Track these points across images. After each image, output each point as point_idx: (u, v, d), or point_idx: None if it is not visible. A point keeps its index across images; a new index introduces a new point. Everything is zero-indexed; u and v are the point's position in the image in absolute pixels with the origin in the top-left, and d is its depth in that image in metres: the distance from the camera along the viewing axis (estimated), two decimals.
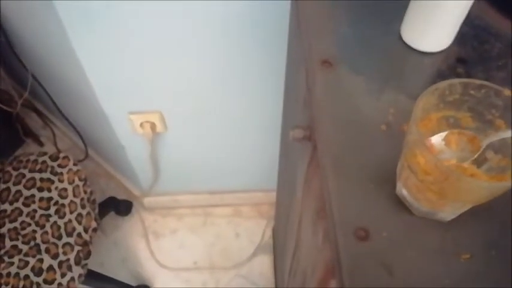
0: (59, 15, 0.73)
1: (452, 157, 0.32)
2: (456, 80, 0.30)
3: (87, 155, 1.39)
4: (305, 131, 0.43)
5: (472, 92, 0.30)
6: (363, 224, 0.33)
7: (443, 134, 0.32)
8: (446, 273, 0.31)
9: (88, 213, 1.02)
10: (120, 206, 1.34)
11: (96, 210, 1.07)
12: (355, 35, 0.45)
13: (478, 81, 0.30)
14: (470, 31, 0.45)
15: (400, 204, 0.34)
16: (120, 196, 1.35)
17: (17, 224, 0.94)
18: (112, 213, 1.33)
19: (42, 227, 0.95)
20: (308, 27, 0.46)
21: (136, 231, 1.34)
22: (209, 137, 1.09)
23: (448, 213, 0.31)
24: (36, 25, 0.90)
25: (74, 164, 1.04)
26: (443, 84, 0.29)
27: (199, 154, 1.17)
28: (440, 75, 0.42)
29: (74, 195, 1.00)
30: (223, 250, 1.30)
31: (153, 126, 1.00)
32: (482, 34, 0.45)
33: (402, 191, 0.33)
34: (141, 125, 1.00)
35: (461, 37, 0.44)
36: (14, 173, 1.01)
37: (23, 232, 0.94)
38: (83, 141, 1.34)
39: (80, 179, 1.03)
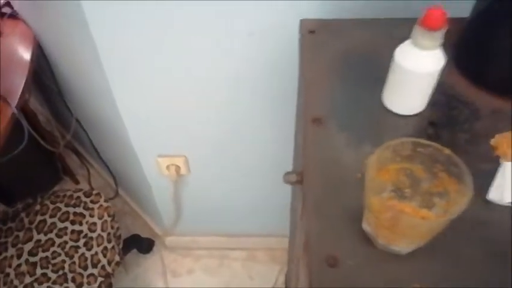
0: (102, 65, 0.87)
1: None
2: (407, 139, 0.37)
3: (117, 194, 1.50)
4: (297, 176, 0.51)
5: (420, 149, 0.38)
6: (334, 253, 0.40)
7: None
8: None
9: (113, 247, 1.10)
10: (143, 244, 1.42)
11: (121, 245, 1.15)
12: (345, 98, 0.54)
13: (424, 141, 0.37)
14: (443, 98, 0.53)
15: (367, 238, 0.41)
16: (144, 234, 1.44)
17: (48, 254, 1.04)
18: (134, 251, 1.41)
19: (71, 257, 1.04)
20: (306, 88, 0.55)
21: (156, 270, 1.40)
22: (228, 181, 1.18)
23: (402, 247, 0.38)
24: (82, 73, 1.05)
25: (105, 201, 1.14)
26: (395, 141, 0.37)
27: (218, 197, 1.25)
28: (413, 135, 0.49)
29: (102, 230, 1.10)
30: None
31: (177, 169, 1.10)
32: (453, 101, 0.53)
33: (366, 227, 0.40)
34: (167, 167, 1.10)
35: (434, 103, 0.52)
36: (51, 206, 1.12)
37: (53, 261, 1.03)
38: (115, 181, 1.46)
39: (108, 215, 1.12)
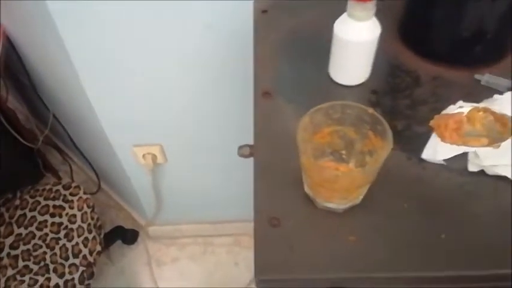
0: (72, 62, 0.88)
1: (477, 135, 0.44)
2: (336, 102, 0.40)
3: (99, 188, 1.51)
4: (250, 148, 0.54)
5: (349, 111, 0.40)
6: (277, 214, 0.42)
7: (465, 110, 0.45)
8: (335, 250, 0.39)
9: (94, 238, 1.12)
10: (127, 235, 1.43)
11: (102, 235, 1.17)
12: (293, 73, 0.56)
13: (351, 103, 0.40)
14: (386, 68, 0.55)
15: (309, 200, 0.43)
16: (128, 226, 1.46)
17: (30, 246, 1.06)
18: (119, 242, 1.43)
19: (52, 249, 1.06)
20: (256, 64, 0.57)
21: (141, 260, 1.42)
22: (206, 168, 1.20)
23: (338, 204, 0.40)
24: (54, 70, 1.06)
25: (84, 193, 1.16)
26: (326, 104, 0.39)
27: (198, 184, 1.27)
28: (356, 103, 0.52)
29: (82, 221, 1.12)
30: (222, 278, 1.37)
31: (154, 157, 1.12)
32: (396, 71, 0.55)
33: (306, 189, 0.42)
34: (144, 156, 1.12)
35: (377, 73, 0.54)
36: (31, 200, 1.13)
37: (34, 253, 1.05)
38: (97, 175, 1.47)
39: (88, 206, 1.14)
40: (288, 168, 0.46)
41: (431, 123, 0.48)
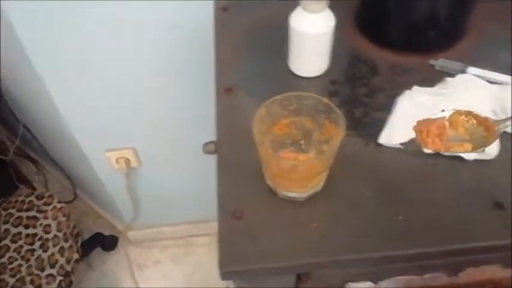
0: (34, 67, 0.86)
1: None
2: (291, 93, 0.40)
3: (75, 196, 1.49)
4: (215, 145, 0.54)
5: (305, 102, 0.41)
6: (240, 207, 0.43)
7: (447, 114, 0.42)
8: (297, 238, 0.40)
9: (70, 246, 1.10)
10: (106, 241, 1.42)
11: (79, 243, 1.15)
12: (254, 68, 0.57)
13: (307, 94, 0.41)
14: (345, 59, 0.57)
15: (271, 192, 0.44)
16: (107, 232, 1.44)
17: (4, 260, 1.03)
18: (99, 249, 1.41)
19: (27, 260, 1.04)
20: (217, 61, 0.58)
21: (122, 265, 1.41)
22: (181, 169, 1.20)
23: (299, 193, 0.41)
24: (18, 77, 1.04)
25: (59, 202, 1.14)
26: (279, 96, 0.40)
27: (175, 185, 1.26)
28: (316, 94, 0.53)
29: (58, 230, 1.10)
30: (203, 278, 1.37)
31: (127, 161, 1.11)
32: (354, 61, 0.57)
33: (267, 181, 0.43)
34: (117, 161, 1.11)
35: (336, 64, 0.55)
36: (4, 213, 1.11)
37: (10, 266, 1.02)
38: (72, 184, 1.45)
39: (63, 215, 1.13)
40: (250, 161, 0.46)
41: (413, 127, 0.45)
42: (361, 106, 0.51)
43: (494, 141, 0.43)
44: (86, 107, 0.98)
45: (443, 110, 0.45)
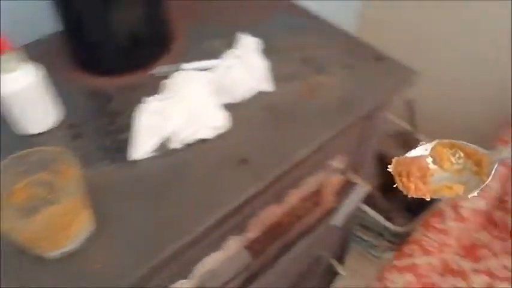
0: None
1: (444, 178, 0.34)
2: (5, 159, 0.39)
3: None
4: None
5: (31, 159, 0.40)
6: None
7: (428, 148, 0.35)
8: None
9: None
10: None
11: None
12: None
13: (27, 151, 0.40)
14: (78, 98, 0.57)
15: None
16: None
17: None
18: None
19: None
20: None
21: None
22: None
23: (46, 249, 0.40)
24: None
25: None
26: (5, 161, 0.38)
27: None
28: (60, 144, 0.51)
29: None
30: None
31: None
32: (86, 97, 0.58)
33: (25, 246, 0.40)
34: None
35: (70, 106, 0.55)
36: None
37: None
38: None
39: None
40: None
41: (391, 168, 0.38)
42: (108, 135, 0.53)
43: (489, 177, 0.35)
44: None
45: (423, 143, 0.38)
